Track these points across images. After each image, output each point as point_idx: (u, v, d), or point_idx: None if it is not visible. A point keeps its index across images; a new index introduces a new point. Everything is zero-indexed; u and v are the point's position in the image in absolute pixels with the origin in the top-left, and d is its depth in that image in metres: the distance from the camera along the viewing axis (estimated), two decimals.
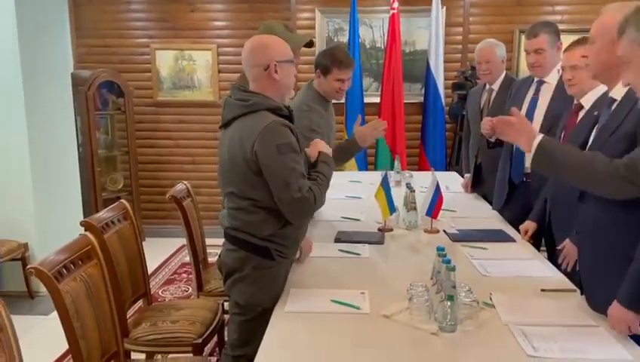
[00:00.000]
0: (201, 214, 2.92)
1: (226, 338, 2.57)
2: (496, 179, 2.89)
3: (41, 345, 3.00)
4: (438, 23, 4.64)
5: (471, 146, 3.31)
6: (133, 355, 2.24)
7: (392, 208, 2.52)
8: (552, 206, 2.35)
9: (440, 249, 1.70)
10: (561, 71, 2.47)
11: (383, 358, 1.46)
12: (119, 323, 2.01)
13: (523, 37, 3.05)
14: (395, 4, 4.62)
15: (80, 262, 1.86)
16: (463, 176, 3.51)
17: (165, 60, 5.06)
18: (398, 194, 2.75)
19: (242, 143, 1.77)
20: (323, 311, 1.72)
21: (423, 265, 1.96)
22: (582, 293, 1.79)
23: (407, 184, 2.73)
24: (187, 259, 4.24)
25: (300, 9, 4.92)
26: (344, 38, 4.86)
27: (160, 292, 3.94)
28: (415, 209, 2.59)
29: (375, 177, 3.04)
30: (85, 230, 2.10)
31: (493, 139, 2.95)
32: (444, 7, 4.73)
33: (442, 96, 4.73)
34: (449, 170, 4.49)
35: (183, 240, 2.84)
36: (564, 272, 2.10)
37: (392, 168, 3.85)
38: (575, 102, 2.27)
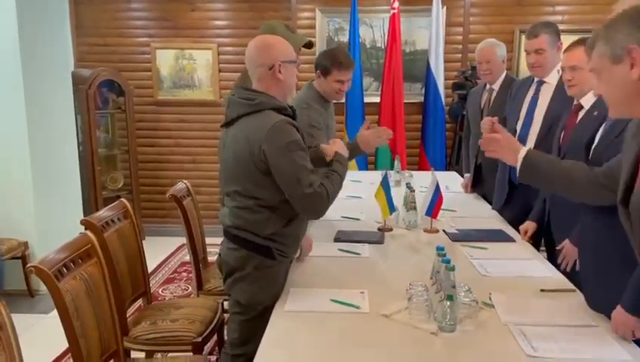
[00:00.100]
0: (201, 213, 2.92)
1: (225, 337, 2.58)
2: (496, 179, 2.89)
3: (41, 343, 3.00)
4: (438, 22, 4.64)
5: (471, 146, 3.31)
6: (133, 354, 2.24)
7: (391, 208, 2.52)
8: (552, 206, 2.35)
9: (440, 248, 1.70)
10: (561, 71, 2.47)
11: (382, 358, 1.46)
12: (119, 322, 2.01)
13: (523, 37, 3.05)
14: (396, 4, 4.62)
15: (80, 261, 1.86)
16: (462, 176, 3.51)
17: (166, 59, 5.06)
18: (398, 194, 2.75)
19: (249, 142, 1.77)
20: (323, 311, 1.72)
21: (423, 265, 1.97)
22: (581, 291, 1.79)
23: (407, 184, 2.73)
24: (187, 258, 4.25)
25: (300, 8, 4.92)
26: (344, 38, 4.86)
27: (160, 291, 3.95)
28: (415, 209, 2.59)
29: (375, 177, 3.05)
30: (85, 229, 2.10)
31: None
32: (445, 7, 4.73)
33: (442, 96, 4.73)
34: (449, 170, 4.49)
35: (183, 239, 2.84)
36: (564, 272, 2.10)
37: (392, 168, 3.85)
38: (575, 102, 2.27)
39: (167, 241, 4.86)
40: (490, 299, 1.76)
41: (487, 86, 3.23)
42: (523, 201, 2.67)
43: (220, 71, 5.04)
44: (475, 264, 2.11)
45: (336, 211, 2.76)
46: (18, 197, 3.70)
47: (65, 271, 1.76)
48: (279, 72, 1.83)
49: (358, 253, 2.25)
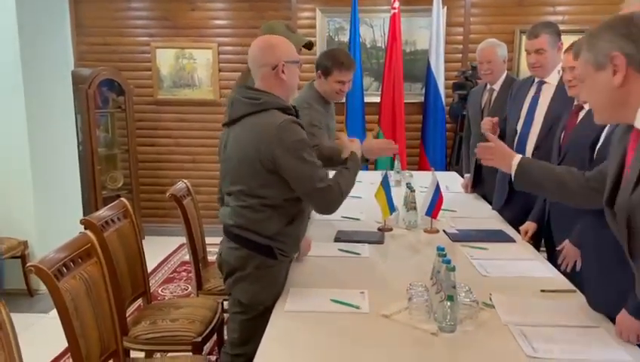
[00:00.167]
0: (201, 213, 2.92)
1: (225, 337, 2.57)
2: (496, 180, 2.89)
3: (40, 342, 2.99)
4: (438, 22, 4.64)
5: (471, 146, 3.30)
6: (133, 354, 2.24)
7: (391, 208, 2.52)
8: (552, 206, 2.35)
9: (440, 249, 1.70)
10: (561, 71, 2.47)
11: (382, 358, 1.46)
12: (119, 322, 2.01)
13: (524, 37, 3.05)
14: (396, 4, 4.62)
15: (80, 261, 1.86)
16: (463, 176, 3.51)
17: (166, 59, 5.05)
18: (398, 194, 2.75)
19: (255, 141, 1.78)
20: (322, 311, 1.72)
21: (423, 265, 1.96)
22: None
23: (407, 184, 2.73)
24: (187, 257, 4.25)
25: (300, 8, 4.92)
26: (345, 38, 4.86)
27: (159, 291, 3.94)
28: (415, 209, 2.59)
29: (375, 177, 3.04)
30: (85, 228, 2.10)
31: None
32: (445, 7, 4.73)
33: (443, 96, 4.72)
34: (449, 170, 4.49)
35: (183, 239, 2.84)
36: (564, 273, 2.10)
37: (392, 168, 3.85)
38: (575, 102, 2.27)
39: (166, 241, 4.85)
40: (490, 299, 1.76)
41: (488, 86, 3.23)
42: (523, 202, 2.66)
43: (220, 70, 5.03)
44: (475, 264, 2.11)
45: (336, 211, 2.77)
46: (18, 196, 3.69)
47: (64, 270, 1.76)
48: (282, 72, 1.84)
49: (358, 253, 2.25)
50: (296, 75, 1.91)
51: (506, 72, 3.20)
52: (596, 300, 1.69)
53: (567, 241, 2.18)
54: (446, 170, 4.64)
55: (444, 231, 2.53)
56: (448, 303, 1.54)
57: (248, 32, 4.86)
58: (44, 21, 3.78)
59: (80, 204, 4.18)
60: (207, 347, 2.54)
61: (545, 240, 2.56)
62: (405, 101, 4.74)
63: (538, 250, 2.48)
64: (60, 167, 3.96)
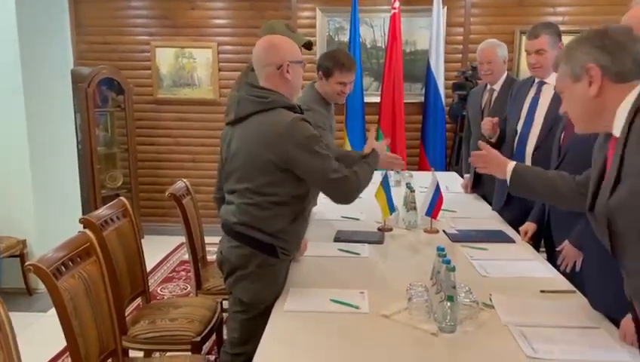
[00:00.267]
0: (200, 212, 2.91)
1: (224, 337, 2.57)
2: (496, 180, 2.88)
3: (39, 342, 2.99)
4: (439, 22, 4.64)
5: (471, 147, 3.30)
6: (131, 353, 2.23)
7: (391, 208, 2.51)
8: (551, 207, 2.35)
9: (440, 249, 1.70)
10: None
11: (381, 358, 1.46)
12: (117, 321, 2.01)
13: (524, 37, 3.05)
14: (396, 4, 4.62)
15: (79, 260, 1.86)
16: (462, 177, 3.51)
17: (165, 58, 5.05)
18: (398, 194, 2.75)
19: (266, 140, 1.79)
20: (322, 311, 1.71)
21: (423, 265, 1.96)
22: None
23: (407, 184, 2.73)
24: (186, 256, 4.24)
25: (300, 8, 4.91)
26: (345, 38, 4.86)
27: (159, 290, 3.94)
28: (415, 209, 2.59)
29: (375, 177, 3.03)
30: (84, 227, 2.10)
31: (493, 140, 2.95)
32: (445, 7, 4.73)
33: (442, 96, 4.72)
34: (449, 170, 4.49)
35: (182, 238, 2.83)
36: (564, 273, 2.10)
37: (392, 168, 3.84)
38: None
39: (166, 240, 4.85)
40: (490, 299, 1.76)
41: (488, 86, 3.23)
42: (523, 202, 2.65)
43: (219, 70, 5.03)
44: (475, 265, 2.11)
45: (335, 211, 2.77)
46: (17, 195, 3.69)
47: (63, 269, 1.76)
48: (287, 71, 1.86)
49: (357, 253, 2.24)
50: (300, 75, 1.94)
51: (506, 72, 3.20)
52: (597, 300, 1.69)
53: (566, 242, 2.18)
54: (446, 170, 4.64)
55: (444, 231, 2.53)
56: (448, 303, 1.53)
57: (248, 32, 4.86)
58: (44, 20, 3.78)
59: (79, 202, 4.18)
60: (206, 346, 2.54)
61: (545, 241, 2.56)
62: (405, 101, 4.74)
63: (538, 251, 2.48)
64: (60, 166, 3.95)
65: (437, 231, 2.52)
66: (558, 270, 2.12)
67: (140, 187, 5.15)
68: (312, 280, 1.96)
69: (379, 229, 2.56)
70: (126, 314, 2.29)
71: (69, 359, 1.78)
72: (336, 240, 2.40)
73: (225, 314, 2.55)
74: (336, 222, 2.67)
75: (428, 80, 4.73)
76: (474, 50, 3.67)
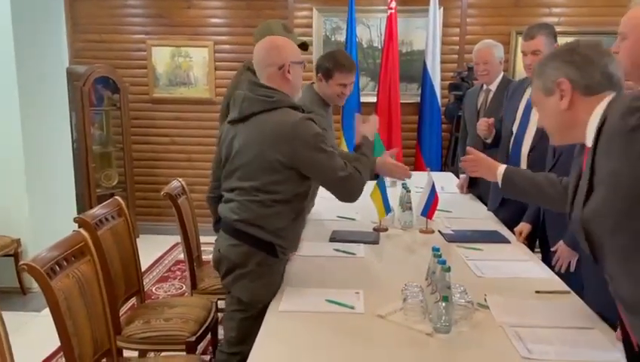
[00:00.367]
0: (195, 212, 2.91)
1: (219, 337, 2.56)
2: (491, 181, 2.89)
3: (33, 341, 2.98)
4: (435, 23, 4.64)
5: (467, 147, 3.30)
6: (126, 353, 2.23)
7: (387, 208, 2.52)
8: (546, 208, 2.35)
9: (435, 249, 1.70)
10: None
11: (377, 358, 1.46)
12: (112, 321, 2.00)
13: (519, 38, 3.05)
14: (393, 4, 4.62)
15: (73, 259, 1.85)
16: (458, 177, 3.51)
17: (161, 57, 5.03)
18: (394, 194, 2.75)
19: (273, 139, 1.80)
20: (317, 311, 1.71)
21: (418, 266, 1.96)
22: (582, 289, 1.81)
23: (402, 184, 2.73)
24: (181, 256, 4.24)
25: (297, 7, 4.91)
26: (341, 37, 4.85)
27: (154, 290, 3.93)
28: (410, 209, 2.59)
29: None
30: (79, 226, 2.09)
31: (489, 140, 2.96)
32: (442, 8, 4.73)
33: (439, 97, 4.73)
34: (444, 171, 4.50)
35: (178, 238, 2.82)
36: (558, 274, 2.10)
37: None
38: None
39: (161, 239, 4.84)
40: (485, 300, 1.76)
41: (484, 87, 3.23)
42: (518, 203, 2.65)
43: (216, 69, 5.02)
44: (470, 265, 2.11)
45: (331, 211, 2.77)
46: (12, 194, 3.67)
47: (57, 269, 1.75)
48: (288, 72, 1.89)
49: (353, 253, 2.24)
50: (300, 75, 1.97)
51: (502, 73, 3.21)
52: (593, 301, 1.69)
53: (561, 242, 2.19)
54: (442, 170, 4.65)
55: (439, 231, 2.53)
56: (443, 304, 1.54)
57: (245, 31, 4.85)
58: (39, 18, 3.76)
59: (74, 202, 4.16)
60: (201, 346, 2.53)
61: (539, 241, 2.57)
62: (401, 101, 4.74)
63: (533, 251, 2.48)
64: (54, 165, 3.93)
65: (432, 232, 2.53)
66: (553, 270, 2.13)
67: (135, 186, 5.13)
68: (307, 280, 1.96)
69: (374, 229, 2.56)
70: (120, 314, 2.28)
71: (63, 359, 1.77)
72: (332, 240, 2.40)
73: (220, 314, 2.55)
74: (332, 222, 2.67)
75: (424, 80, 4.73)
76: (470, 50, 3.67)
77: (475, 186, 3.24)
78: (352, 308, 1.73)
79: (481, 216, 2.83)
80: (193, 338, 2.19)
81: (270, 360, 1.47)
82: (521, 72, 4.24)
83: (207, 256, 2.93)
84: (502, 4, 4.79)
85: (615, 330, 1.53)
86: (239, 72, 2.76)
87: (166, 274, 4.24)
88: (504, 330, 1.57)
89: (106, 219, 2.27)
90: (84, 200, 4.57)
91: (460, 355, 1.48)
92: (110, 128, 5.06)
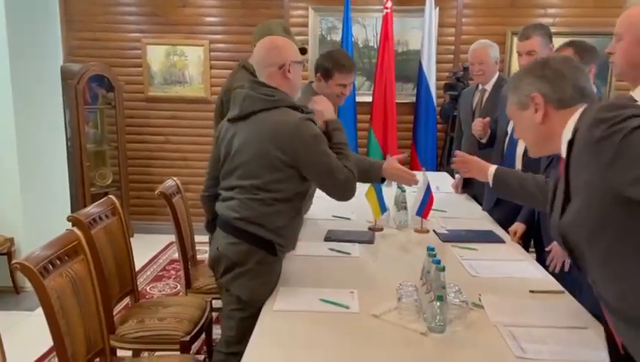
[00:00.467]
0: (190, 211, 2.90)
1: (214, 336, 2.56)
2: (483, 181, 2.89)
3: (25, 341, 2.96)
4: (431, 23, 4.65)
5: (463, 147, 3.31)
6: (120, 352, 2.21)
7: (383, 208, 2.52)
8: None
9: (430, 249, 1.70)
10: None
11: (371, 358, 1.46)
12: (105, 320, 1.99)
13: (515, 39, 3.06)
14: (389, 4, 4.62)
15: (66, 258, 1.83)
16: (453, 177, 3.52)
17: (156, 55, 5.01)
18: (389, 194, 2.75)
19: (274, 138, 1.81)
20: (312, 310, 1.71)
21: (413, 265, 1.96)
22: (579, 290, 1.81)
23: (397, 184, 2.73)
24: (176, 255, 4.22)
25: (293, 6, 4.90)
26: (337, 37, 4.85)
27: (148, 289, 3.91)
28: (406, 208, 2.59)
29: None
30: (72, 225, 2.08)
31: (484, 140, 2.96)
32: (437, 8, 4.74)
33: (434, 97, 4.73)
34: (440, 171, 4.50)
35: (172, 237, 2.82)
36: (552, 273, 2.11)
37: None
38: None
39: (156, 239, 4.82)
40: (479, 299, 1.76)
41: (480, 87, 3.24)
42: (512, 203, 2.66)
43: (211, 68, 5.01)
44: (464, 265, 2.11)
45: (326, 210, 2.77)
46: (5, 192, 3.64)
47: (51, 268, 1.74)
48: (288, 71, 1.90)
49: (348, 253, 2.24)
50: (299, 75, 1.98)
51: (497, 73, 3.21)
52: (587, 300, 1.70)
53: (555, 242, 2.19)
54: (437, 170, 4.65)
55: (434, 231, 2.53)
56: (438, 303, 1.54)
57: (240, 30, 4.84)
58: (34, 15, 3.73)
59: (68, 200, 4.14)
60: (195, 346, 2.52)
61: (534, 241, 2.58)
62: (397, 101, 4.74)
63: (527, 251, 2.49)
64: (48, 163, 3.91)
65: (427, 231, 2.53)
66: (548, 270, 2.14)
67: (129, 185, 5.11)
68: (302, 280, 1.96)
69: (370, 229, 2.55)
70: (114, 314, 2.27)
71: (56, 358, 1.76)
72: (327, 239, 2.40)
73: (214, 314, 2.54)
74: (327, 221, 2.67)
75: (419, 80, 4.74)
76: (465, 50, 3.68)
77: (469, 186, 3.25)
78: (347, 307, 1.72)
79: (475, 216, 2.84)
80: (187, 338, 2.18)
81: (264, 360, 1.46)
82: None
83: (202, 256, 2.93)
84: (497, 5, 4.80)
85: None
86: (235, 71, 2.75)
87: (160, 274, 4.23)
88: (498, 330, 1.57)
89: (100, 218, 2.26)
90: (78, 199, 4.55)
91: (454, 354, 1.48)
92: (104, 127, 5.04)
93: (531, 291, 1.87)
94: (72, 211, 3.88)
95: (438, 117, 4.80)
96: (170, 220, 2.67)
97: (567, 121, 1.26)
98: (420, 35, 4.73)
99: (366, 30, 4.90)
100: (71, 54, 5.02)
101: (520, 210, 2.53)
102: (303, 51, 2.52)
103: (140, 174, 5.18)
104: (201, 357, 2.79)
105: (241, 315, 1.89)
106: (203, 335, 2.45)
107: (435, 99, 4.74)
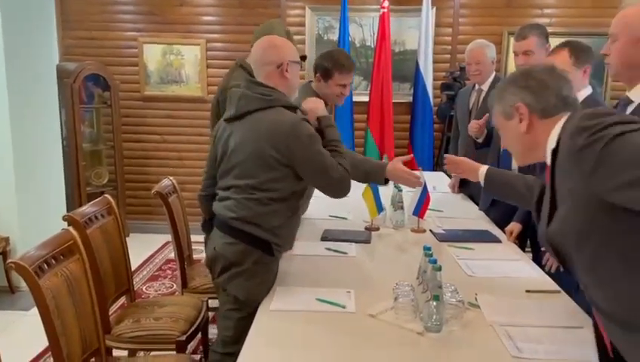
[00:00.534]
0: (186, 211, 2.89)
1: (210, 336, 2.55)
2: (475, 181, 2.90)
3: (20, 341, 2.95)
4: (427, 23, 4.65)
5: (459, 147, 3.32)
6: (115, 352, 2.21)
7: (379, 208, 2.51)
8: None
9: (426, 248, 1.70)
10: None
11: (367, 357, 1.46)
12: (101, 320, 1.98)
13: (512, 39, 3.07)
14: (386, 4, 4.62)
15: (62, 257, 1.83)
16: (450, 177, 3.52)
17: (153, 54, 5.00)
18: (386, 194, 2.75)
19: (270, 137, 1.81)
20: (308, 310, 1.71)
21: (410, 265, 1.96)
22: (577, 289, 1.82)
23: (394, 183, 2.72)
24: (172, 255, 4.22)
25: (290, 6, 4.90)
26: (334, 36, 4.85)
27: (144, 289, 3.90)
28: (402, 208, 2.59)
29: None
30: (68, 225, 2.07)
31: (480, 140, 2.97)
32: (434, 8, 4.74)
33: (431, 97, 4.74)
34: (436, 170, 4.51)
35: (168, 237, 2.81)
36: (549, 273, 2.11)
37: None
38: None
39: (152, 238, 4.81)
40: (476, 299, 1.76)
41: (476, 87, 3.24)
42: (509, 203, 2.68)
43: (207, 67, 4.99)
44: (461, 264, 2.12)
45: (323, 210, 2.76)
46: (0, 191, 3.63)
47: (46, 267, 1.73)
48: (286, 70, 1.90)
49: (344, 252, 2.24)
50: (297, 75, 1.98)
51: (494, 72, 3.21)
52: (583, 300, 1.70)
53: None
54: (433, 170, 4.66)
55: (430, 230, 2.53)
56: (434, 303, 1.54)
57: (237, 29, 4.83)
58: (29, 14, 3.72)
59: (64, 200, 4.12)
60: (191, 346, 2.52)
61: (530, 241, 2.58)
62: (394, 101, 4.75)
63: (523, 251, 2.49)
64: (44, 163, 3.90)
65: (424, 231, 2.53)
66: (544, 270, 2.14)
67: (125, 184, 5.10)
68: (298, 279, 1.96)
69: (366, 228, 2.55)
70: (110, 313, 2.26)
71: (51, 358, 1.75)
72: (324, 239, 2.40)
73: (211, 314, 2.54)
74: (324, 221, 2.67)
75: (416, 80, 4.74)
76: (462, 50, 3.68)
77: (466, 186, 3.25)
78: (344, 307, 1.72)
79: (472, 216, 2.84)
80: (183, 338, 2.18)
81: (260, 360, 1.46)
82: None
83: (198, 255, 2.92)
84: (494, 5, 4.81)
85: None
86: (231, 70, 2.75)
87: (156, 273, 4.22)
88: (494, 329, 1.58)
89: (96, 218, 2.25)
90: (74, 199, 4.54)
91: (450, 354, 1.48)
92: (100, 126, 5.02)
93: (527, 291, 1.87)
94: (68, 210, 3.86)
95: (434, 117, 4.80)
96: (167, 220, 2.66)
97: (551, 130, 1.28)
98: (417, 34, 4.73)
99: (363, 30, 4.90)
100: (67, 53, 5.00)
101: (516, 210, 2.54)
102: (302, 59, 2.51)
103: (136, 173, 5.16)
104: (197, 356, 2.78)
105: (238, 315, 1.89)
106: (199, 335, 2.44)
107: (431, 99, 4.74)
